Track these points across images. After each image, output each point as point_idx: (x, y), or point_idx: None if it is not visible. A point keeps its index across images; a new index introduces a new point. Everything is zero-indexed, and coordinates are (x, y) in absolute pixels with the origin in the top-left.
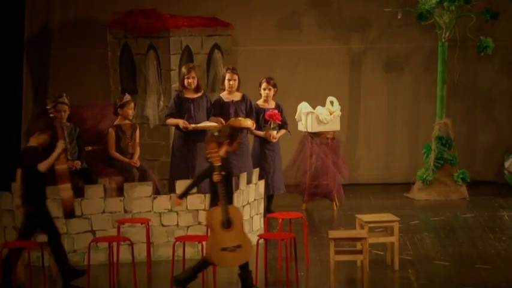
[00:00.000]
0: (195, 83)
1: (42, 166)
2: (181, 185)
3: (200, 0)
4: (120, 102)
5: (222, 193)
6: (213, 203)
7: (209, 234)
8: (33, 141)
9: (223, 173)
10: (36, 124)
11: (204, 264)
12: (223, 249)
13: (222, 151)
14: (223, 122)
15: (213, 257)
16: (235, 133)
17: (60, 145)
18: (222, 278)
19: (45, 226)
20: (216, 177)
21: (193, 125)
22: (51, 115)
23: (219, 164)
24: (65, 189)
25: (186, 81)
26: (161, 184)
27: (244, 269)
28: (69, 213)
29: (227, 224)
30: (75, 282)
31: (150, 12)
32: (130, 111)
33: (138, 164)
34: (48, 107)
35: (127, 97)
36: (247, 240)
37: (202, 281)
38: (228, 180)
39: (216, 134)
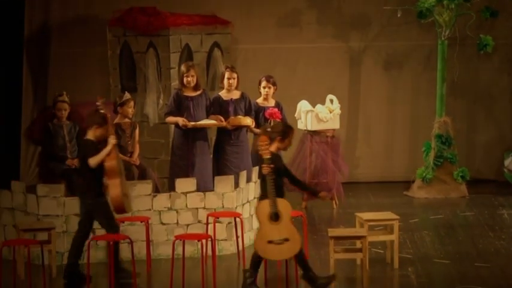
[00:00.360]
0: (194, 81)
1: (92, 161)
2: (181, 184)
3: None
4: (120, 101)
5: (270, 186)
6: (263, 196)
7: (258, 226)
8: (90, 135)
9: (272, 165)
10: (94, 117)
11: (255, 257)
12: (270, 242)
13: (273, 147)
14: (222, 119)
15: (258, 250)
16: (287, 130)
17: (112, 141)
18: (222, 277)
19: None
20: (264, 169)
21: (192, 123)
22: (102, 111)
23: (268, 156)
24: (114, 186)
25: (185, 79)
26: (161, 182)
27: (305, 271)
28: (119, 210)
29: (275, 217)
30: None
31: (150, 10)
32: (130, 109)
33: (137, 162)
34: (98, 103)
35: (127, 95)
36: (296, 233)
37: (202, 281)
38: (279, 174)
39: (268, 129)
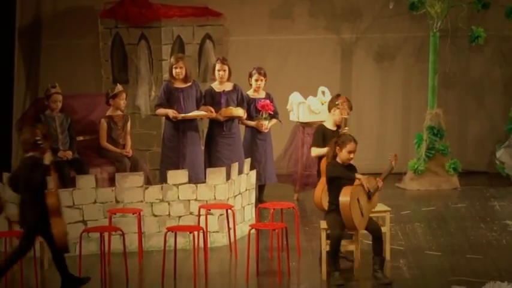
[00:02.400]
0: (183, 73)
1: (313, 152)
2: (173, 176)
3: None
4: (112, 93)
5: None
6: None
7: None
8: (329, 119)
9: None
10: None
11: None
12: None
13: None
14: (212, 110)
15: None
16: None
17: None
18: (214, 269)
19: None
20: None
21: (182, 115)
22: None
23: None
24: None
25: (174, 71)
26: (152, 174)
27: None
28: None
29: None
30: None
31: (142, 2)
32: (122, 102)
33: (130, 154)
34: (336, 101)
35: (119, 88)
36: None
37: (193, 273)
38: None
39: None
